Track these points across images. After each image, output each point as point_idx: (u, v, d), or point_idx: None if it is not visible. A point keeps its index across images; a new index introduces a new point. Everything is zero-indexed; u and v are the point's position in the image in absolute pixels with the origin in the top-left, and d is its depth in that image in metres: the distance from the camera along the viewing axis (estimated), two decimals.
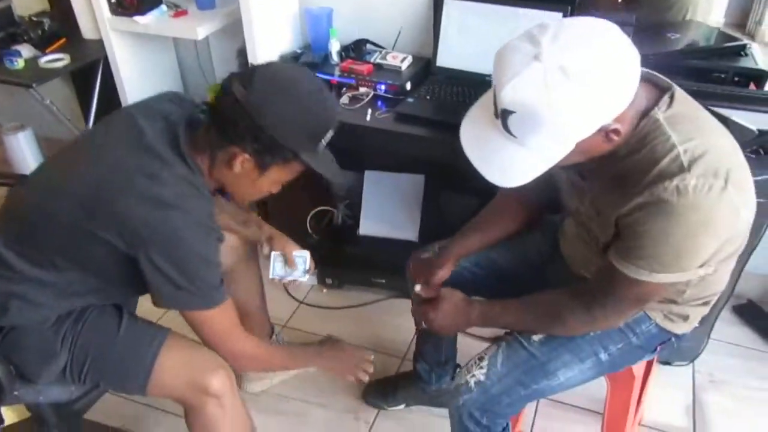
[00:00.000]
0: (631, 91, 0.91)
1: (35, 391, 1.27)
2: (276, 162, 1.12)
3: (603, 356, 1.19)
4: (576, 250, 1.26)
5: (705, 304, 1.19)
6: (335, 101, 1.16)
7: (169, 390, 1.26)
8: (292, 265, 1.53)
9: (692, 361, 1.92)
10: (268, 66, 1.13)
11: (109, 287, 1.22)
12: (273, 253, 1.51)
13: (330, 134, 1.15)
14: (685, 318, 1.19)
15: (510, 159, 0.96)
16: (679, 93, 1.00)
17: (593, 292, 1.09)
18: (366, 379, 1.46)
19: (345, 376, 1.47)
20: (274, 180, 1.18)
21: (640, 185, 0.95)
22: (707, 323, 1.77)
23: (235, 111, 1.07)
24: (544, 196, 1.31)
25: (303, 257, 1.52)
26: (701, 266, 0.98)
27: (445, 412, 1.31)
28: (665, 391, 1.83)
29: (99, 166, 1.12)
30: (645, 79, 0.98)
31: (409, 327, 1.69)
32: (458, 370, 1.71)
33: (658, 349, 1.24)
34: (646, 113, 0.97)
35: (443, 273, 1.34)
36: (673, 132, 0.95)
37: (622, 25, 1.62)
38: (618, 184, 1.00)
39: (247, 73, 1.09)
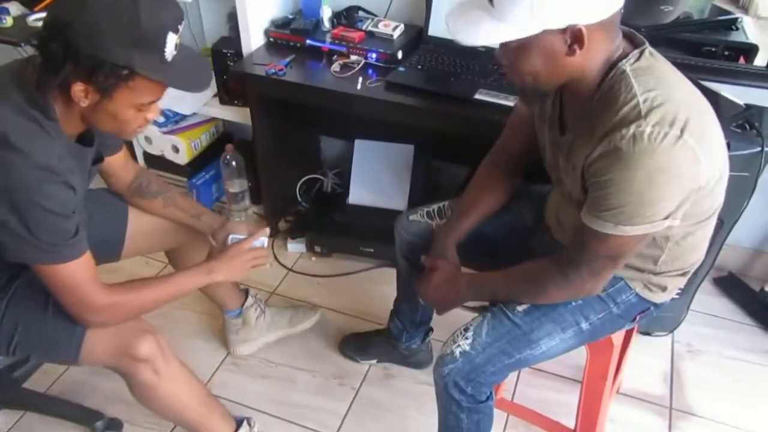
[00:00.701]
0: (611, 7, 0.94)
1: None
2: (117, 82, 1.01)
3: (584, 325, 1.22)
4: (558, 216, 1.29)
5: (683, 274, 1.21)
6: (162, 2, 1.02)
7: (100, 358, 1.25)
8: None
9: (672, 331, 1.96)
10: None
11: None
12: (231, 236, 1.45)
13: (171, 38, 1.02)
14: (664, 288, 1.22)
15: (482, 27, 0.98)
16: (651, 50, 1.03)
17: (568, 254, 1.11)
18: (268, 265, 1.44)
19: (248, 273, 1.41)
20: (129, 103, 1.07)
21: (600, 134, 0.99)
22: (687, 294, 1.81)
23: (47, 36, 1.00)
24: (526, 162, 1.34)
25: (261, 240, 1.44)
26: (666, 218, 0.99)
27: (429, 379, 1.34)
28: (645, 360, 1.88)
29: None
30: (625, 34, 1.04)
31: (395, 296, 1.72)
32: (430, 333, 1.78)
33: (638, 318, 1.27)
34: (616, 64, 1.00)
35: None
36: (636, 83, 0.98)
37: None
38: (586, 135, 1.03)
39: None
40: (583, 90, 1.05)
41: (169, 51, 1.03)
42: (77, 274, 1.12)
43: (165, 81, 1.06)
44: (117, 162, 1.42)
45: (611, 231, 1.01)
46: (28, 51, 2.12)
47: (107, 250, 1.47)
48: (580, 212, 1.06)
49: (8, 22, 2.10)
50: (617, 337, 1.40)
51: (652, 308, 1.26)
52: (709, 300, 2.09)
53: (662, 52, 1.05)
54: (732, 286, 2.14)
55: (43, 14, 2.12)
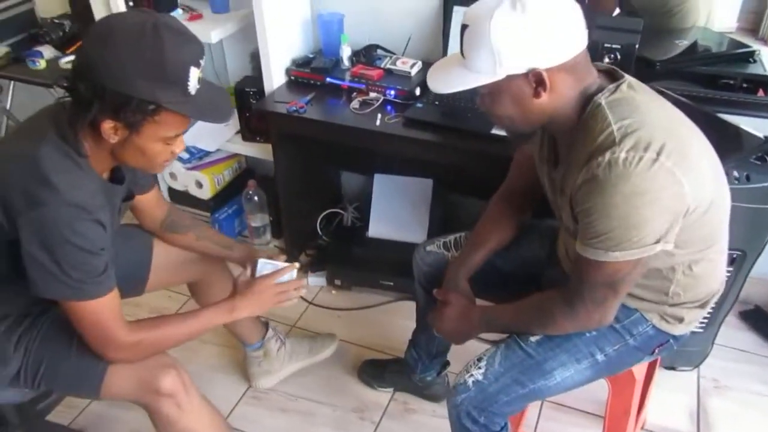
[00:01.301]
0: (569, 52, 1.00)
1: None
2: (143, 117, 1.05)
3: (599, 357, 1.21)
4: (567, 250, 1.29)
5: (701, 306, 1.20)
6: (185, 38, 1.05)
7: (121, 393, 1.27)
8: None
9: (697, 366, 1.92)
10: (98, 21, 1.07)
11: (14, 284, 1.17)
12: (260, 260, 1.43)
13: (193, 73, 1.05)
14: (681, 320, 1.20)
15: (452, 75, 1.07)
16: (630, 82, 1.06)
17: (571, 286, 1.12)
18: (302, 293, 1.43)
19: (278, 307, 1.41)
20: (156, 137, 1.10)
21: (580, 163, 1.01)
22: (712, 328, 1.78)
23: (75, 77, 1.04)
24: (532, 199, 1.37)
25: (291, 273, 1.42)
26: (657, 241, 1.00)
27: (442, 411, 1.33)
28: (669, 396, 1.84)
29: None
30: (604, 70, 1.09)
31: (414, 328, 1.72)
32: (447, 367, 1.77)
33: (657, 351, 1.25)
34: (591, 98, 1.04)
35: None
36: (611, 113, 1.01)
37: (629, 32, 1.67)
38: (571, 165, 1.06)
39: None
40: (564, 126, 1.08)
41: (192, 85, 1.06)
42: (103, 311, 1.14)
43: (189, 114, 1.09)
44: (149, 200, 1.46)
45: (603, 258, 1.02)
46: (59, 92, 2.21)
47: (132, 285, 1.50)
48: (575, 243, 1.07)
49: (41, 64, 2.20)
50: (639, 371, 1.39)
51: (671, 341, 1.24)
52: (735, 334, 2.05)
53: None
54: (758, 319, 2.09)
55: (73, 57, 2.23)
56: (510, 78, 1.01)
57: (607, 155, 0.97)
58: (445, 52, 1.96)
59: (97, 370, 1.23)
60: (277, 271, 1.41)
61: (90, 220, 1.08)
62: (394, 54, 2.08)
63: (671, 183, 0.96)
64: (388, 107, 1.90)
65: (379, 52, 2.10)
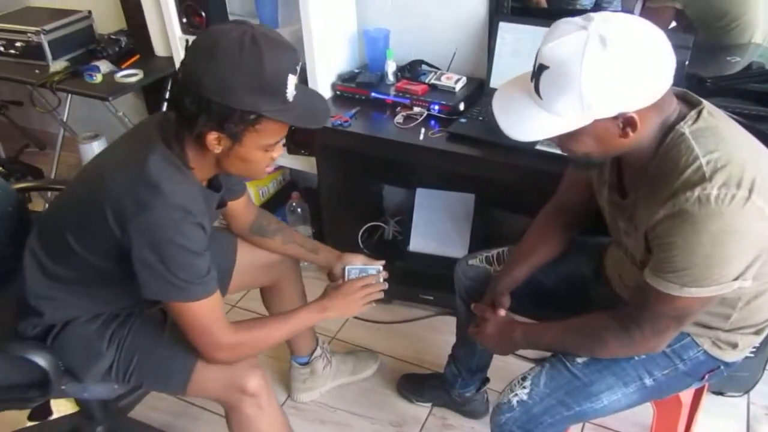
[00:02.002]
0: (660, 90, 0.95)
1: (80, 387, 1.34)
2: (245, 127, 1.08)
3: (648, 381, 1.19)
4: (619, 272, 1.27)
5: (757, 332, 1.17)
6: (282, 47, 1.07)
7: (207, 390, 1.31)
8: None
9: (747, 392, 1.86)
10: (201, 35, 1.09)
11: (116, 284, 1.25)
12: (347, 267, 1.51)
13: (291, 80, 1.07)
14: (734, 346, 1.17)
15: (529, 117, 1.00)
16: (709, 109, 1.02)
17: (630, 312, 1.09)
18: (380, 295, 1.46)
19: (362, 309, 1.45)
20: (257, 145, 1.13)
21: (663, 197, 0.97)
22: (763, 353, 1.72)
23: (178, 91, 1.08)
24: (583, 216, 1.34)
25: (376, 268, 1.51)
26: (736, 279, 0.97)
27: (487, 430, 1.32)
28: (718, 422, 1.78)
29: (108, 154, 1.25)
30: (678, 95, 1.03)
31: (454, 343, 1.71)
32: (486, 383, 1.75)
33: (707, 377, 1.22)
34: (673, 127, 1.00)
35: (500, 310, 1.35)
36: (697, 144, 0.97)
37: (679, 47, 1.64)
38: (648, 198, 1.02)
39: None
40: (639, 155, 1.04)
41: (290, 92, 1.08)
42: (207, 312, 1.18)
43: (288, 121, 1.12)
44: (240, 205, 1.51)
45: (676, 292, 0.99)
46: (116, 105, 2.30)
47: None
48: (644, 271, 1.04)
49: (98, 78, 2.28)
50: (686, 395, 1.35)
51: (722, 367, 1.20)
52: None
53: (729, 102, 1.05)
54: None
55: (129, 71, 2.31)
56: (597, 121, 0.96)
57: (697, 191, 0.93)
58: (489, 68, 1.96)
59: (186, 367, 1.28)
60: (366, 276, 1.47)
61: (193, 223, 1.13)
62: (439, 69, 2.09)
63: (759, 220, 0.93)
64: (432, 122, 1.91)
65: (424, 67, 2.11)
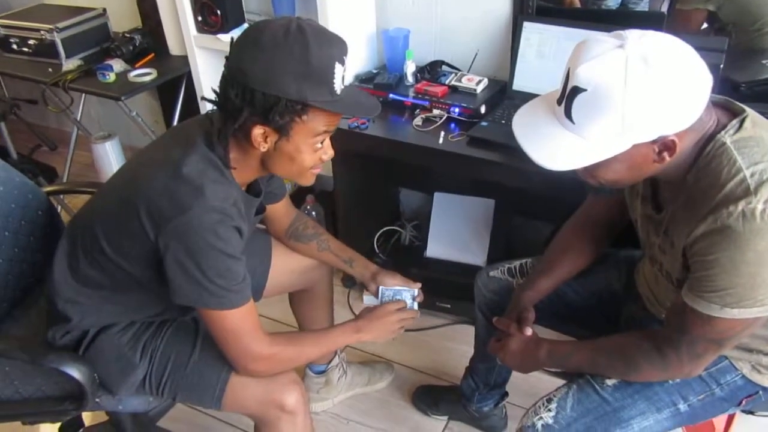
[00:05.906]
0: (698, 112, 0.89)
1: (116, 400, 1.30)
2: (292, 118, 1.04)
3: (682, 407, 1.12)
4: (651, 288, 1.20)
5: None
6: (328, 36, 1.04)
7: (243, 405, 1.26)
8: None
9: None
10: (249, 27, 1.07)
11: (147, 290, 1.21)
12: (381, 288, 1.48)
13: (338, 69, 1.04)
14: None
15: (560, 144, 0.94)
16: (752, 117, 0.95)
17: (666, 333, 1.03)
18: (412, 323, 1.43)
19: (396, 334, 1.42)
20: (305, 140, 1.09)
21: (704, 212, 0.91)
22: None
23: (223, 84, 1.06)
24: (613, 230, 1.27)
25: (411, 293, 1.47)
26: None
27: None
28: None
29: (144, 155, 1.22)
30: (718, 104, 0.97)
31: (471, 354, 1.66)
32: (505, 398, 1.69)
33: (744, 402, 1.15)
34: (713, 137, 0.93)
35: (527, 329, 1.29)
36: (740, 155, 0.91)
37: (713, 51, 1.58)
38: (686, 212, 0.96)
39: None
40: (677, 169, 0.98)
41: (338, 82, 1.05)
42: (243, 321, 1.14)
43: (337, 109, 1.07)
44: (280, 208, 1.48)
45: (716, 314, 0.93)
46: (129, 105, 2.26)
47: (252, 292, 1.50)
48: (681, 290, 0.98)
49: (111, 77, 2.25)
50: (719, 420, 1.28)
51: (760, 392, 1.14)
52: None
53: (764, 108, 0.98)
54: None
55: (143, 70, 2.28)
56: (634, 146, 0.90)
57: (741, 205, 0.87)
58: (512, 70, 1.89)
59: (219, 381, 1.23)
60: (401, 300, 1.44)
61: (231, 226, 1.09)
62: (460, 70, 2.03)
63: None
64: (452, 125, 1.85)
65: (444, 68, 2.05)
